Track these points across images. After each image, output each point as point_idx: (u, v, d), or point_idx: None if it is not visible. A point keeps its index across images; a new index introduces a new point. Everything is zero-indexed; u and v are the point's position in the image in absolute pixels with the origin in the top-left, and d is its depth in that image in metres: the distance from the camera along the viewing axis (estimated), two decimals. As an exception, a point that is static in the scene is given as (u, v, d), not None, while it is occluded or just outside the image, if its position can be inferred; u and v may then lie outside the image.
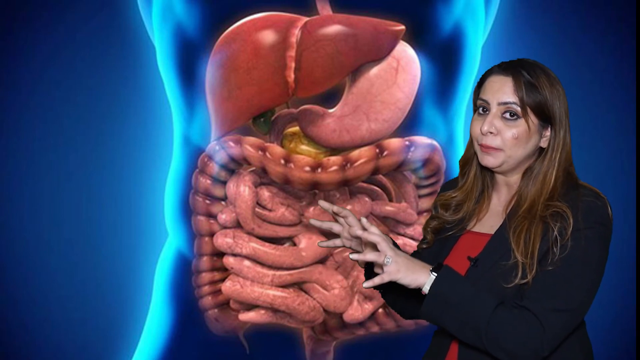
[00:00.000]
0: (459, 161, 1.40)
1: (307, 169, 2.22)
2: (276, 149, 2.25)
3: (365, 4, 2.22)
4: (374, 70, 2.19)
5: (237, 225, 2.30)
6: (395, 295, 1.43)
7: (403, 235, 2.38)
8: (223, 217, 2.31)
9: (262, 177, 2.30)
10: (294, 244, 2.33)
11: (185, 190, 2.39)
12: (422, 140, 2.30)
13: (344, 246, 1.35)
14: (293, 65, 2.16)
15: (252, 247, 2.28)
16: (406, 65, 2.21)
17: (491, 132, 1.26)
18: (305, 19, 2.19)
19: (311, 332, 2.44)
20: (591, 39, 2.71)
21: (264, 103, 2.21)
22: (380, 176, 2.37)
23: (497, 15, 2.56)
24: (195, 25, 2.28)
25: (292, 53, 2.16)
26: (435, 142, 2.33)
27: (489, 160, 1.28)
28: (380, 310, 2.39)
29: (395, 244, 1.40)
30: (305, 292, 2.33)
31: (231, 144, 2.26)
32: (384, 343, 2.46)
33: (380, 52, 2.19)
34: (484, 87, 1.30)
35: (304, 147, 2.28)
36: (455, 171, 1.49)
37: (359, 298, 2.35)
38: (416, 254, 1.46)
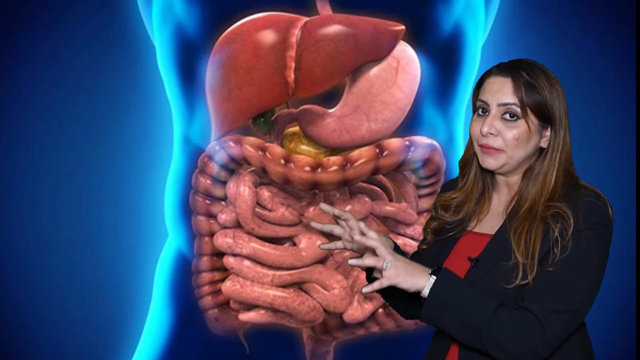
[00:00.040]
0: (459, 162, 1.40)
1: (307, 169, 2.22)
2: (276, 149, 2.25)
3: (365, 4, 2.22)
4: (374, 70, 2.19)
5: (237, 225, 2.30)
6: (396, 297, 1.43)
7: (403, 235, 2.38)
8: (223, 217, 2.31)
9: (262, 177, 2.30)
10: (294, 244, 2.33)
11: (185, 190, 2.39)
12: (422, 140, 2.30)
13: (344, 248, 1.35)
14: (293, 65, 2.16)
15: (252, 247, 2.28)
16: (406, 65, 2.21)
17: (491, 134, 1.26)
18: (305, 19, 2.19)
19: (311, 332, 2.44)
20: (591, 39, 2.71)
21: (264, 103, 2.21)
22: (380, 176, 2.37)
23: (497, 15, 2.56)
24: (195, 25, 2.28)
25: (292, 53, 2.16)
26: (435, 142, 2.33)
27: (489, 163, 1.28)
28: (380, 310, 2.39)
29: (396, 246, 1.40)
30: (305, 292, 2.33)
31: (231, 144, 2.26)
32: (384, 343, 2.46)
33: (380, 52, 2.18)
34: (483, 88, 1.30)
35: (304, 147, 2.28)
36: (455, 171, 1.49)
37: (359, 298, 2.35)
38: (416, 255, 1.46)
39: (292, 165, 2.22)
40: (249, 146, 2.24)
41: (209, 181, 2.32)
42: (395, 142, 2.26)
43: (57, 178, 2.59)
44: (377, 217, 2.37)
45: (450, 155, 2.39)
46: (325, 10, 2.23)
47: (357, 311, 2.34)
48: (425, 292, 1.20)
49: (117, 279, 2.60)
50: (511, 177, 1.32)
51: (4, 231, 2.59)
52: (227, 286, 2.31)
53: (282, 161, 2.22)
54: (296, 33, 2.16)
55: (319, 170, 2.22)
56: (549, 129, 1.27)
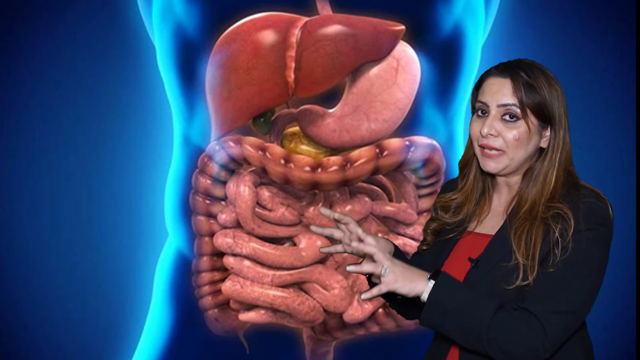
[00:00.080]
0: (459, 163, 1.40)
1: (307, 169, 2.22)
2: (276, 149, 2.25)
3: (365, 4, 2.22)
4: (374, 70, 2.19)
5: (237, 225, 2.30)
6: (397, 299, 1.43)
7: (403, 235, 2.38)
8: (223, 217, 2.31)
9: (262, 177, 2.30)
10: (294, 244, 2.33)
11: (185, 190, 2.39)
12: (422, 140, 2.30)
13: (345, 252, 1.35)
14: (293, 65, 2.16)
15: (252, 247, 2.28)
16: (406, 65, 2.21)
17: (491, 135, 1.26)
18: (305, 19, 2.19)
19: (311, 332, 2.44)
20: (591, 39, 2.71)
21: (264, 103, 2.21)
22: (380, 176, 2.37)
23: (497, 15, 2.56)
24: (195, 25, 2.28)
25: (292, 53, 2.16)
26: (435, 142, 2.33)
27: (490, 166, 1.28)
28: (380, 310, 2.39)
29: (396, 248, 1.40)
30: (305, 292, 2.33)
31: (231, 144, 2.26)
32: (384, 343, 2.46)
33: (380, 52, 2.18)
34: (482, 89, 1.29)
35: (304, 147, 2.28)
36: (456, 171, 1.49)
37: (358, 298, 2.35)
38: (416, 255, 1.45)
39: (292, 165, 2.22)
40: (249, 146, 2.24)
41: (209, 181, 2.32)
42: (395, 142, 2.26)
43: (57, 178, 2.59)
44: (377, 217, 2.37)
45: (450, 155, 2.39)
46: (325, 10, 2.23)
47: (357, 311, 2.34)
48: (424, 297, 1.20)
49: (117, 279, 2.60)
50: (511, 177, 1.32)
51: (4, 231, 2.59)
52: (227, 286, 2.31)
53: (282, 161, 2.22)
54: (296, 33, 2.16)
55: (319, 170, 2.22)
56: (549, 129, 1.27)
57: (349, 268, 1.21)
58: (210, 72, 2.25)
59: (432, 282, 1.20)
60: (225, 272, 2.35)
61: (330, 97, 2.23)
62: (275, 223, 2.30)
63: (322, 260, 2.33)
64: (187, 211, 2.39)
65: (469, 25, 2.35)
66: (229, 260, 2.30)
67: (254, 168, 2.29)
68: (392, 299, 1.43)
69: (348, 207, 2.30)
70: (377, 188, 2.37)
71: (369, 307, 2.35)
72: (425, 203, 2.39)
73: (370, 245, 1.22)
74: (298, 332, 2.44)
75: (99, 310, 2.59)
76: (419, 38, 2.24)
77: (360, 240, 1.25)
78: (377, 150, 2.24)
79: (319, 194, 2.31)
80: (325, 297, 2.32)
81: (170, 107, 2.47)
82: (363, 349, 2.46)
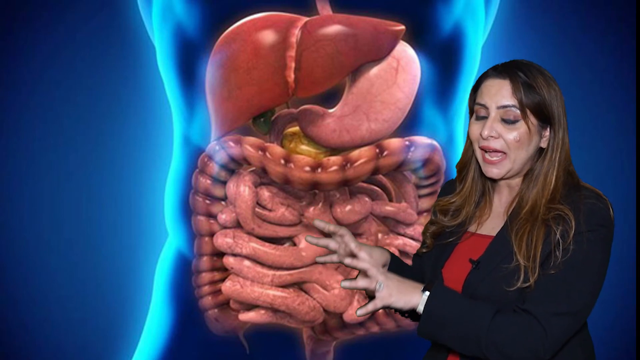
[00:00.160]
0: (456, 166, 1.39)
1: (307, 169, 2.22)
2: (276, 149, 2.24)
3: (365, 4, 2.22)
4: (374, 70, 2.19)
5: (237, 225, 2.30)
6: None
7: (403, 235, 2.38)
8: (223, 217, 2.31)
9: (262, 177, 2.29)
10: (294, 244, 2.33)
11: (185, 190, 2.39)
12: (422, 140, 2.30)
13: (340, 262, 1.34)
14: (293, 65, 2.16)
15: (252, 247, 2.28)
16: (406, 65, 2.21)
17: (492, 136, 1.26)
18: (305, 19, 2.19)
19: (311, 332, 2.44)
20: (591, 39, 2.71)
21: (264, 103, 2.21)
22: (380, 176, 2.37)
23: (497, 15, 2.56)
24: (195, 25, 2.28)
25: (292, 53, 2.16)
26: (435, 142, 2.33)
27: (493, 172, 1.28)
28: (381, 310, 2.38)
29: (392, 255, 1.40)
30: (305, 292, 2.33)
31: (231, 144, 2.26)
32: (384, 343, 2.46)
33: (380, 52, 2.18)
34: (481, 91, 1.29)
35: (304, 147, 2.28)
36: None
37: (359, 298, 2.35)
38: (417, 258, 1.45)
39: (292, 165, 2.22)
40: (249, 146, 2.24)
41: (209, 181, 2.32)
42: (395, 142, 2.26)
43: (57, 178, 2.59)
44: (377, 217, 2.37)
45: (450, 155, 2.39)
46: (325, 10, 2.23)
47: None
48: (420, 309, 1.19)
49: (117, 279, 2.60)
50: (512, 179, 1.32)
51: (4, 231, 2.59)
52: (227, 286, 2.31)
53: (282, 161, 2.22)
54: (296, 33, 2.16)
55: (319, 170, 2.22)
56: (548, 129, 1.27)
57: (344, 284, 1.21)
58: (210, 72, 2.25)
59: (427, 293, 1.20)
60: (225, 272, 2.35)
61: (330, 97, 2.23)
62: (275, 223, 2.30)
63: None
64: (187, 211, 2.39)
65: (469, 25, 2.35)
66: (229, 260, 2.30)
67: (254, 168, 2.29)
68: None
69: (348, 207, 2.30)
70: (377, 188, 2.37)
71: (369, 307, 2.35)
72: (425, 203, 2.39)
73: (364, 261, 1.22)
74: (298, 332, 2.44)
75: (99, 310, 2.59)
76: (419, 38, 2.24)
77: (354, 255, 1.24)
78: (377, 150, 2.23)
79: (319, 194, 2.31)
80: (325, 297, 2.32)
81: (170, 107, 2.47)
82: (363, 349, 2.46)
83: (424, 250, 1.41)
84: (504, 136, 1.25)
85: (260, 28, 2.18)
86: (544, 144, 1.28)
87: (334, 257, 1.35)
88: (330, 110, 2.22)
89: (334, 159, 2.24)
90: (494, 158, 1.27)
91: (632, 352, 2.77)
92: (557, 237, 1.19)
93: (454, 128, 2.44)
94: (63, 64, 2.56)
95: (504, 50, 2.57)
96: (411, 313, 1.24)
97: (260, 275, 2.29)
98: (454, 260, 1.32)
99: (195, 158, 2.36)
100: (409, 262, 2.32)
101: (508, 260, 1.22)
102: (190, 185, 2.37)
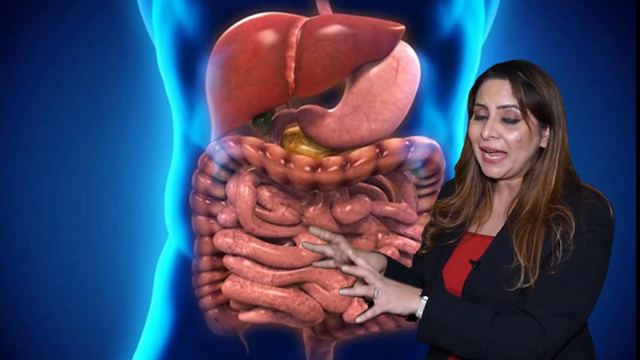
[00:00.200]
0: (455, 167, 1.39)
1: (307, 169, 2.22)
2: (276, 149, 2.24)
3: (365, 4, 2.22)
4: (374, 70, 2.19)
5: (237, 225, 2.30)
6: None
7: (403, 235, 2.38)
8: (223, 217, 2.31)
9: (262, 177, 2.29)
10: (294, 244, 2.33)
11: (185, 190, 2.39)
12: (422, 140, 2.30)
13: (336, 268, 1.34)
14: (293, 65, 2.16)
15: (252, 247, 2.28)
16: (406, 65, 2.21)
17: (493, 137, 1.25)
18: (305, 19, 2.19)
19: (311, 332, 2.44)
20: (591, 39, 2.71)
21: (264, 103, 2.21)
22: (380, 176, 2.37)
23: (497, 15, 2.56)
24: (195, 25, 2.28)
25: (292, 53, 2.16)
26: (435, 142, 2.33)
27: (493, 172, 1.27)
28: (380, 310, 2.38)
29: (389, 259, 1.39)
30: (305, 292, 2.33)
31: (231, 144, 2.26)
32: (384, 343, 2.46)
33: (380, 52, 2.18)
34: (480, 92, 1.29)
35: (304, 147, 2.28)
36: (456, 171, 1.48)
37: (359, 298, 2.35)
38: (417, 259, 1.45)
39: (292, 165, 2.22)
40: (249, 146, 2.24)
41: (209, 181, 2.32)
42: (395, 142, 2.26)
43: (57, 178, 2.59)
44: (377, 217, 2.37)
45: (450, 155, 2.39)
46: (325, 10, 2.23)
47: (357, 311, 2.34)
48: (419, 314, 1.20)
49: (117, 279, 2.60)
50: (512, 179, 1.31)
51: (4, 231, 2.59)
52: (227, 286, 2.31)
53: (282, 161, 2.22)
54: (296, 33, 2.16)
55: (319, 170, 2.22)
56: (548, 129, 1.27)
57: (342, 292, 1.21)
58: (210, 72, 2.25)
59: (425, 298, 1.20)
60: (225, 272, 2.35)
61: (330, 97, 2.23)
62: (275, 223, 2.30)
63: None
64: (187, 211, 2.39)
65: (469, 25, 2.35)
66: (229, 260, 2.30)
67: (254, 168, 2.29)
68: None
69: (348, 207, 2.30)
70: (377, 188, 2.37)
71: (369, 307, 2.35)
72: (425, 203, 2.39)
73: (362, 268, 1.21)
74: (298, 332, 2.44)
75: (99, 310, 2.59)
76: (419, 38, 2.24)
77: (351, 262, 1.25)
78: (377, 150, 2.23)
79: (319, 194, 2.31)
80: (325, 297, 2.32)
81: (170, 107, 2.47)
82: (363, 349, 2.46)
83: (424, 252, 1.40)
84: (505, 136, 1.25)
85: (260, 28, 2.18)
86: (543, 144, 1.28)
87: (331, 263, 1.37)
88: (330, 110, 2.22)
89: (334, 159, 2.24)
90: (495, 157, 1.27)
91: (632, 352, 2.77)
92: (558, 237, 1.18)
93: (454, 128, 2.44)
94: (63, 64, 2.56)
95: (504, 50, 2.57)
96: (411, 316, 1.24)
97: (260, 275, 2.29)
98: (454, 261, 1.32)
99: (195, 158, 2.36)
100: (409, 262, 2.33)
101: (508, 261, 1.22)
102: (190, 185, 2.37)
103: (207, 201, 2.34)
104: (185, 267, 2.43)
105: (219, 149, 2.28)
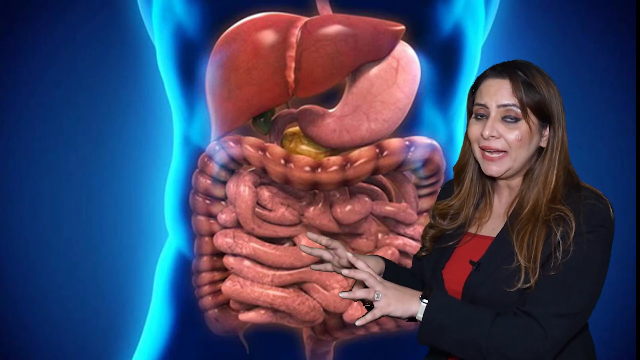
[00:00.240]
0: (453, 168, 1.39)
1: (307, 169, 2.22)
2: (276, 149, 2.24)
3: (365, 4, 2.22)
4: (374, 70, 2.19)
5: (237, 225, 2.30)
6: None
7: (403, 235, 2.38)
8: (223, 217, 2.31)
9: (262, 177, 2.29)
10: (294, 244, 2.33)
11: (185, 190, 2.39)
12: (422, 140, 2.30)
13: (335, 272, 1.34)
14: (293, 65, 2.16)
15: (252, 247, 2.28)
16: (406, 65, 2.21)
17: (493, 136, 1.25)
18: (305, 19, 2.19)
19: (311, 332, 2.44)
20: (591, 39, 2.71)
21: (264, 103, 2.21)
22: (380, 176, 2.37)
23: (497, 15, 2.56)
24: (195, 25, 2.28)
25: (292, 53, 2.16)
26: (435, 142, 2.33)
27: (493, 170, 1.27)
28: (380, 310, 2.38)
29: (386, 262, 1.39)
30: (305, 292, 2.33)
31: (231, 144, 2.26)
32: (384, 343, 2.46)
33: (380, 52, 2.18)
34: (480, 91, 1.29)
35: (304, 147, 2.28)
36: (456, 171, 1.48)
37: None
38: (417, 261, 1.45)
39: (292, 165, 2.22)
40: (249, 146, 2.24)
41: (209, 181, 2.32)
42: (395, 142, 2.26)
43: (57, 178, 2.59)
44: (377, 217, 2.37)
45: (450, 155, 2.39)
46: (325, 10, 2.23)
47: (357, 311, 2.34)
48: (419, 317, 1.20)
49: (117, 279, 2.60)
50: (512, 179, 1.31)
51: (4, 231, 2.59)
52: (227, 286, 2.31)
53: (282, 161, 2.22)
54: (296, 33, 2.16)
55: (319, 170, 2.22)
56: (548, 128, 1.27)
57: (342, 295, 1.21)
58: (210, 72, 2.25)
59: (425, 301, 1.20)
60: (225, 272, 2.35)
61: (330, 97, 2.23)
62: (275, 223, 2.30)
63: (322, 260, 2.32)
64: (187, 211, 2.39)
65: (469, 25, 2.35)
66: (229, 260, 2.30)
67: (254, 168, 2.29)
68: None
69: (348, 207, 2.30)
70: (377, 188, 2.37)
71: (369, 307, 2.35)
72: (425, 203, 2.39)
73: (362, 271, 1.21)
74: (298, 332, 2.44)
75: (99, 310, 2.59)
76: (419, 38, 2.24)
77: (351, 264, 1.24)
78: (377, 150, 2.23)
79: (319, 194, 2.31)
80: (325, 297, 2.32)
81: (170, 107, 2.47)
82: (363, 349, 2.46)
83: (424, 254, 1.40)
84: (505, 136, 1.25)
85: (260, 28, 2.18)
86: (543, 143, 1.27)
87: (328, 267, 1.37)
88: (330, 110, 2.22)
89: (334, 159, 2.24)
90: (494, 155, 1.26)
91: (632, 352, 2.77)
92: (558, 238, 1.18)
93: (454, 128, 2.44)
94: (63, 64, 2.56)
95: (504, 50, 2.57)
96: (411, 317, 1.24)
97: (260, 275, 2.29)
98: (454, 262, 1.32)
99: (195, 158, 2.36)
100: (409, 262, 2.33)
101: (509, 261, 1.22)
102: (190, 185, 2.37)
103: (207, 201, 2.34)
104: (185, 267, 2.43)
105: (219, 149, 2.28)
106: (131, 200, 2.60)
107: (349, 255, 1.25)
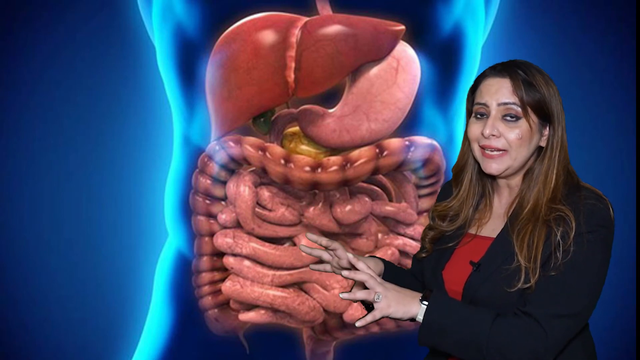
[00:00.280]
0: (452, 169, 1.38)
1: (307, 169, 2.22)
2: (276, 149, 2.25)
3: (365, 4, 2.22)
4: (374, 70, 2.19)
5: (237, 225, 2.30)
6: None
7: (403, 235, 2.38)
8: (223, 217, 2.31)
9: (262, 177, 2.29)
10: (294, 244, 2.33)
11: (185, 190, 2.39)
12: (422, 140, 2.30)
13: (334, 272, 1.34)
14: (293, 65, 2.16)
15: (252, 247, 2.28)
16: (406, 65, 2.21)
17: (493, 135, 1.25)
18: (305, 19, 2.19)
19: (311, 332, 2.44)
20: (591, 39, 2.71)
21: (264, 103, 2.21)
22: (380, 176, 2.37)
23: (497, 15, 2.56)
24: (195, 25, 2.28)
25: (292, 53, 2.16)
26: (435, 142, 2.33)
27: (492, 168, 1.27)
28: (380, 310, 2.38)
29: (386, 264, 1.39)
30: (305, 292, 2.33)
31: (231, 144, 2.26)
32: (384, 343, 2.46)
33: (380, 52, 2.18)
34: (480, 91, 1.29)
35: (304, 147, 2.28)
36: (456, 171, 1.48)
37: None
38: (417, 262, 1.44)
39: (292, 165, 2.22)
40: (249, 146, 2.24)
41: (209, 181, 2.32)
42: (395, 142, 2.26)
43: (57, 178, 2.59)
44: (377, 217, 2.37)
45: (450, 155, 2.39)
46: (325, 10, 2.23)
47: (357, 311, 2.34)
48: (419, 319, 1.20)
49: (117, 279, 2.60)
50: (512, 179, 1.31)
51: (4, 231, 2.59)
52: (227, 286, 2.31)
53: (282, 161, 2.22)
54: (296, 33, 2.16)
55: (319, 170, 2.22)
56: (548, 127, 1.27)
57: (342, 296, 1.21)
58: (210, 72, 2.25)
59: (425, 303, 1.20)
60: (225, 272, 2.35)
61: (330, 97, 2.23)
62: (275, 223, 2.30)
63: (322, 260, 2.32)
64: (187, 211, 2.39)
65: (469, 25, 2.35)
66: (229, 260, 2.30)
67: (254, 168, 2.29)
68: None
69: (348, 207, 2.30)
70: (377, 188, 2.37)
71: (369, 307, 2.35)
72: (425, 203, 2.39)
73: (363, 272, 1.21)
74: (298, 332, 2.44)
75: (99, 310, 2.59)
76: (419, 38, 2.24)
77: (351, 265, 1.24)
78: (377, 150, 2.24)
79: (319, 194, 2.31)
80: (325, 297, 2.32)
81: (170, 107, 2.47)
82: (363, 349, 2.46)
83: (423, 255, 1.40)
84: (506, 135, 1.24)
85: (260, 28, 2.18)
86: (543, 143, 1.27)
87: (328, 267, 1.37)
88: (330, 110, 2.22)
89: (334, 159, 2.24)
90: (494, 153, 1.26)
91: (632, 352, 2.77)
92: (558, 238, 1.18)
93: (454, 128, 2.44)
94: (63, 64, 2.56)
95: (504, 50, 2.57)
96: (411, 319, 1.24)
97: (260, 275, 2.29)
98: (455, 263, 1.32)
99: (195, 158, 2.36)
100: (409, 262, 2.33)
101: (509, 262, 1.22)
102: (190, 185, 2.37)
103: (207, 201, 2.34)
104: (185, 267, 2.43)
105: (219, 149, 2.28)
106: (131, 200, 2.60)
107: (350, 256, 1.25)
